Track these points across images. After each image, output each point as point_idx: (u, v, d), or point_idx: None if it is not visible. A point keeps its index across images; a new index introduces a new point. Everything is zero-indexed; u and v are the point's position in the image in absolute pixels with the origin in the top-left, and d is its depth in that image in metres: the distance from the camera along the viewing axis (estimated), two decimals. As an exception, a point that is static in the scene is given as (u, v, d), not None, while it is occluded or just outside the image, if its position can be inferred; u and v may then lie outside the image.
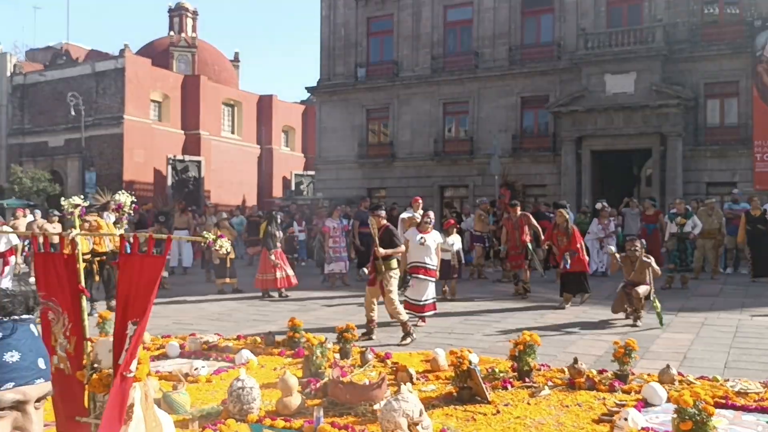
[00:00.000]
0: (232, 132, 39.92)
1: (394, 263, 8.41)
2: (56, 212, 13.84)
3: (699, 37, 23.23)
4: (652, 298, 8.70)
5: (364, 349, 6.92)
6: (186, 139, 35.85)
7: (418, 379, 6.06)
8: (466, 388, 5.47)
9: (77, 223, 3.62)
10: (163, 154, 34.10)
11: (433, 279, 9.26)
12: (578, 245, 10.51)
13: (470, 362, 5.47)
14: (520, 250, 11.52)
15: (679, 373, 5.87)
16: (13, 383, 1.00)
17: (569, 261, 10.27)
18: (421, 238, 9.17)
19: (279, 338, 7.73)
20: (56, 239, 7.83)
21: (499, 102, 26.56)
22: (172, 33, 40.29)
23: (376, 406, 5.30)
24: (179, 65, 38.55)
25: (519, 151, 25.93)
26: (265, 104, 41.09)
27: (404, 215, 13.17)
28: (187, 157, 35.13)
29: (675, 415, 4.19)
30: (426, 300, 9.09)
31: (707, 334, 7.94)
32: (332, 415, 5.21)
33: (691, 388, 5.41)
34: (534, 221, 11.77)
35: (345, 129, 29.33)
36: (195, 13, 41.49)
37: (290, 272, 12.50)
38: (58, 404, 3.92)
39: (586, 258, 11.03)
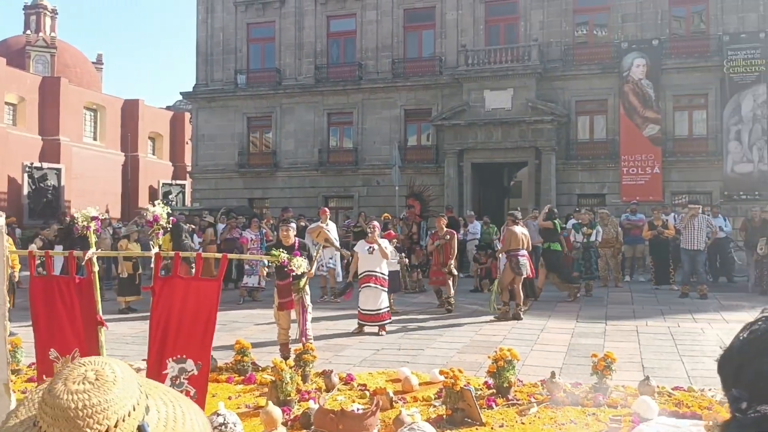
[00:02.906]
0: (95, 138, 37.36)
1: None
2: None
3: (571, 56, 24.65)
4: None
5: (327, 371, 6.49)
6: (44, 145, 33.05)
7: (396, 402, 5.75)
8: (459, 410, 5.24)
9: (93, 239, 3.01)
10: (18, 160, 31.16)
11: (385, 288, 9.03)
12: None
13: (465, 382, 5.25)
14: (443, 266, 11.46)
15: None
16: None
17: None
18: (370, 247, 8.92)
19: (221, 362, 7.11)
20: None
21: (383, 114, 26.73)
22: (28, 32, 37.06)
23: (370, 435, 4.94)
24: (36, 66, 35.58)
25: (404, 162, 26.14)
26: (130, 109, 38.85)
27: (312, 226, 12.94)
28: (45, 165, 32.35)
29: None
30: (379, 309, 8.86)
31: (648, 342, 8.28)
32: (322, 448, 4.79)
33: (675, 399, 5.52)
34: (455, 242, 11.79)
35: (224, 137, 28.31)
36: (54, 11, 38.51)
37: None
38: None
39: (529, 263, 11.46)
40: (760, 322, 0.92)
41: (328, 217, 13.07)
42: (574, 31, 25.11)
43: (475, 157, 25.37)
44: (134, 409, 1.12)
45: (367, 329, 9.26)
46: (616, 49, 23.88)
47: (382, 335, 9.04)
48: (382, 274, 9.20)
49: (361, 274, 9.31)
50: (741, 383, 0.87)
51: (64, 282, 2.97)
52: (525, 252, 10.92)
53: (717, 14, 23.34)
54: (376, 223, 10.06)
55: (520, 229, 11.05)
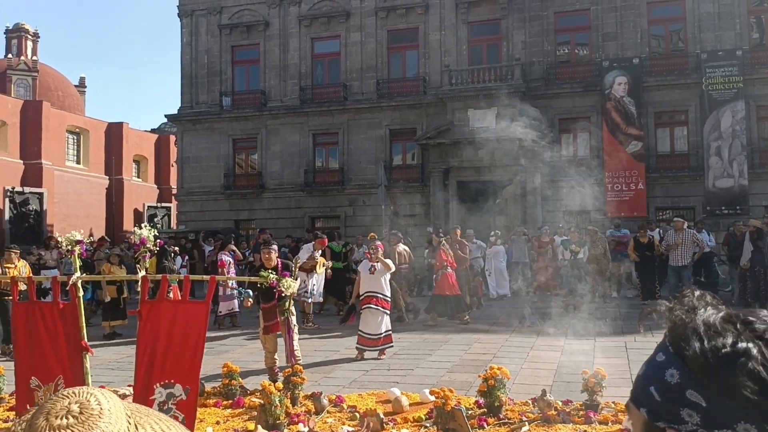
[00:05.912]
0: (78, 162, 37.08)
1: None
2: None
3: (554, 75, 24.91)
4: None
5: (317, 393, 6.43)
6: (26, 169, 32.76)
7: (386, 423, 5.69)
8: (450, 431, 5.20)
9: (77, 264, 2.97)
10: (-1, 186, 30.87)
11: (387, 310, 8.93)
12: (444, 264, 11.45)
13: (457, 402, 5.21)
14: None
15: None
16: None
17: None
18: (372, 267, 8.84)
19: (208, 386, 7.02)
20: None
21: (368, 134, 26.82)
22: (10, 56, 36.89)
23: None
24: (18, 90, 35.36)
25: (390, 182, 26.19)
26: (114, 132, 38.61)
27: (304, 260, 12.78)
28: (27, 189, 32.03)
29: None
30: (380, 334, 8.74)
31: (637, 358, 8.26)
32: (312, 471, 4.73)
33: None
34: (458, 249, 12.06)
35: (210, 159, 28.25)
36: (36, 35, 38.35)
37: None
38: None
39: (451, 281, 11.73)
40: None
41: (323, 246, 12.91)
42: (556, 50, 25.41)
43: (460, 175, 25.47)
44: None
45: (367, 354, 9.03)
46: (597, 68, 24.17)
47: (381, 359, 8.89)
48: (384, 295, 9.03)
49: (362, 294, 9.16)
50: None
51: (47, 307, 2.92)
52: (407, 265, 12.92)
53: (695, 33, 23.71)
54: (379, 243, 9.86)
55: (402, 247, 13.18)
